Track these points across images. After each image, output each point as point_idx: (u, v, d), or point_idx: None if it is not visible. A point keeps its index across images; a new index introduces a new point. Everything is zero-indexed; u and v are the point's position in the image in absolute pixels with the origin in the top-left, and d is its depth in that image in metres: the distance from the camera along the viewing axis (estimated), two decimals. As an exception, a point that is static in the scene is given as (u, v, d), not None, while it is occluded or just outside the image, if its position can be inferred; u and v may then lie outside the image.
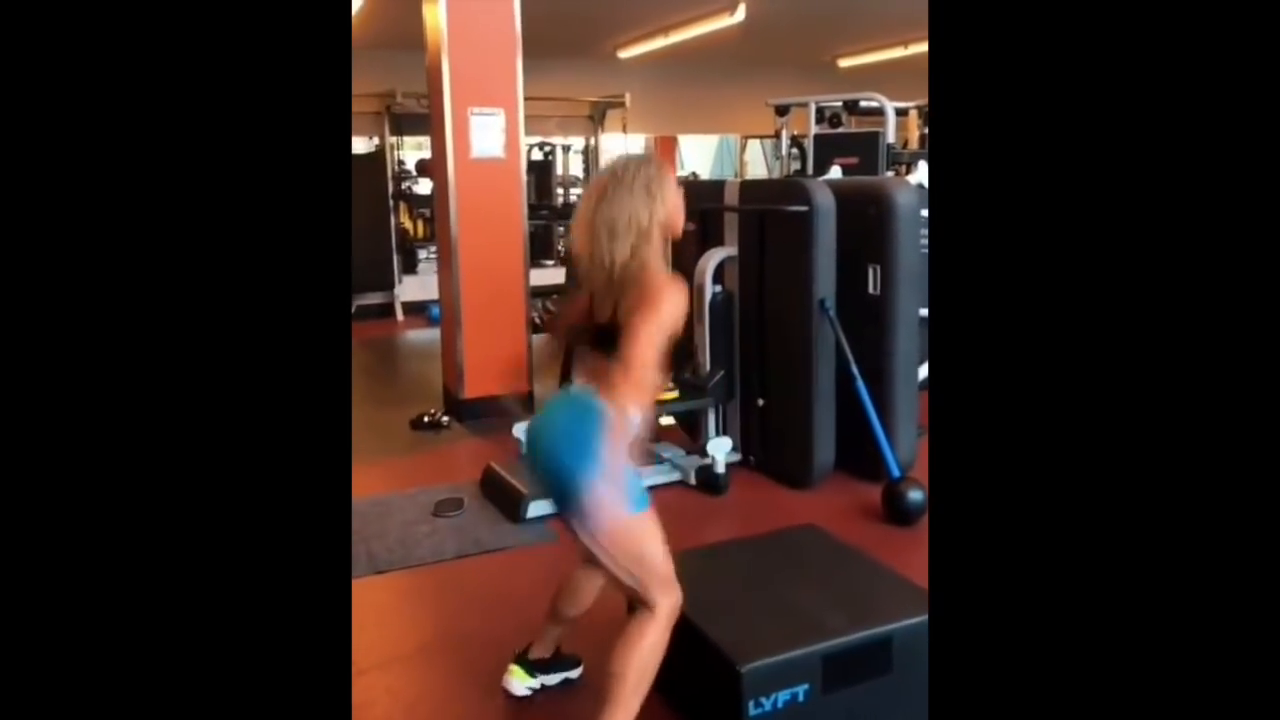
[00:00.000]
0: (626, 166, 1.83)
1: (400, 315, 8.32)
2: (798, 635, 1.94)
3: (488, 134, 4.47)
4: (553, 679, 2.27)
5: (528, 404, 4.78)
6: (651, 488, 3.60)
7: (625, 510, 1.73)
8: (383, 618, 2.73)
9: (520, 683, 2.23)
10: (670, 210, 1.83)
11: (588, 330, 1.92)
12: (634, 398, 1.70)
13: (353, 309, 8.18)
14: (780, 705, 1.86)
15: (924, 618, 2.02)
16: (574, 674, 2.30)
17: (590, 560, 1.95)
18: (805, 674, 1.89)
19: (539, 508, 3.33)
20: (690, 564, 2.37)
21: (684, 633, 2.04)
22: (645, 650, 1.80)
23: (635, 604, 1.87)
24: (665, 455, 3.78)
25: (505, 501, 3.43)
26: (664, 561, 1.84)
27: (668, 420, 3.88)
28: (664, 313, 1.72)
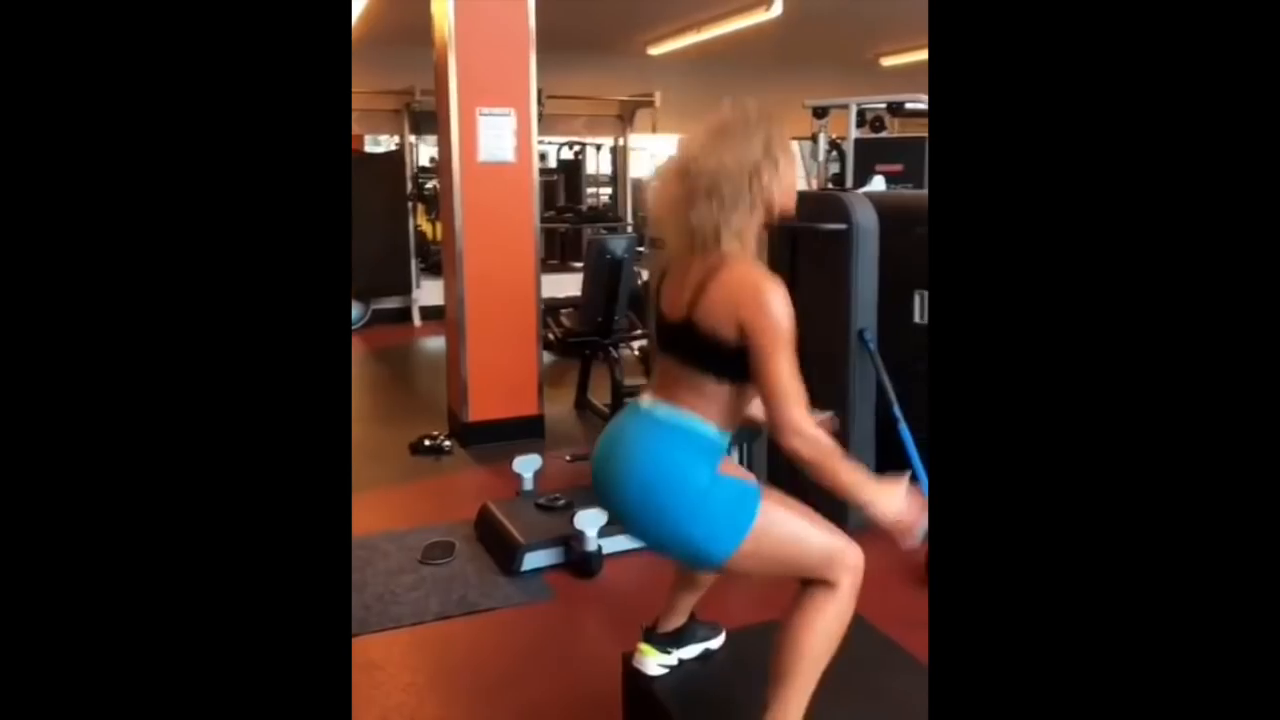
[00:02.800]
0: (748, 112, 1.50)
1: (418, 320, 8.02)
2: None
3: (497, 136, 4.12)
4: (691, 651, 1.94)
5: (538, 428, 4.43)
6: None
7: (744, 536, 1.48)
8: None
9: (654, 660, 1.88)
10: (786, 188, 1.53)
11: (661, 328, 1.61)
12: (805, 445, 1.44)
13: (369, 313, 7.91)
14: None
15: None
16: (714, 643, 1.97)
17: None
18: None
19: (536, 559, 2.98)
20: (695, 661, 2.00)
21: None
22: (828, 621, 1.53)
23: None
24: (681, 498, 3.40)
25: (500, 550, 3.07)
26: (820, 537, 1.53)
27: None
28: (782, 321, 1.44)
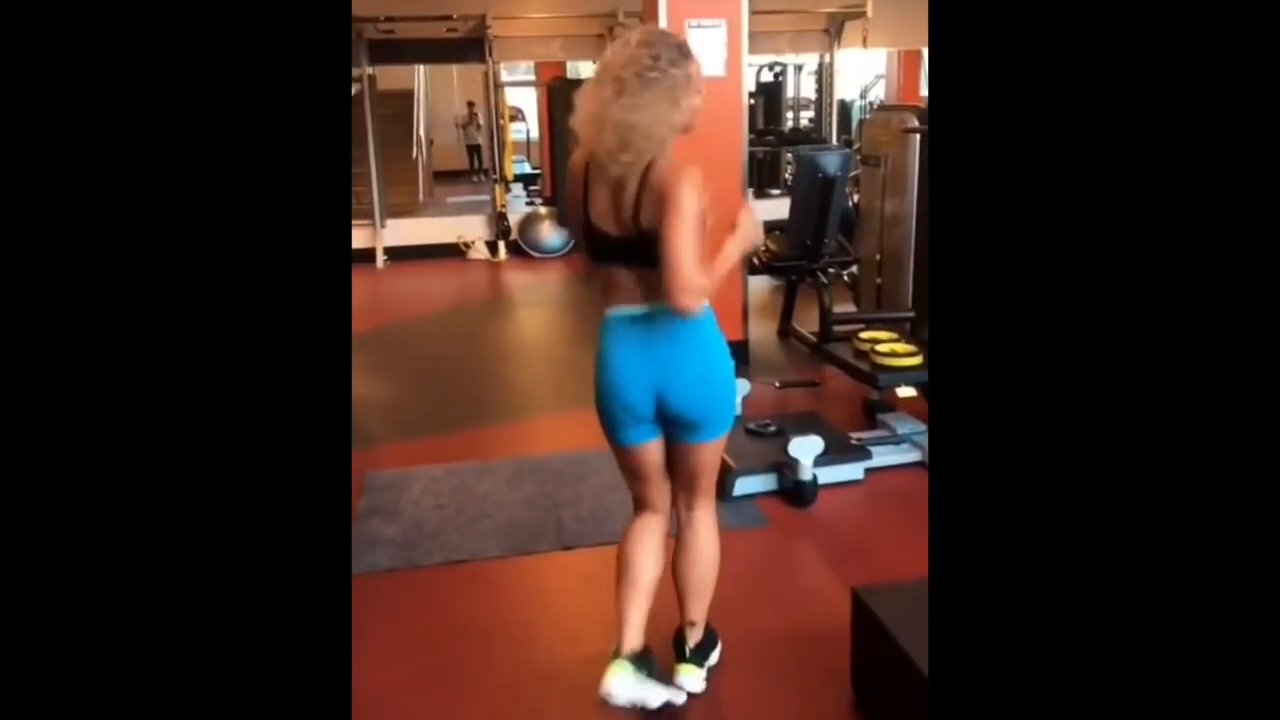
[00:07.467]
0: (651, 52, 1.56)
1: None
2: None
3: (707, 49, 3.94)
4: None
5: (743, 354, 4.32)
6: (885, 468, 3.09)
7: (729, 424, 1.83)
8: (562, 605, 2.43)
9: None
10: (691, 114, 1.64)
11: (616, 250, 1.71)
12: (696, 300, 1.61)
13: (573, 240, 8.04)
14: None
15: None
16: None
17: (649, 477, 1.92)
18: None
19: (748, 484, 2.89)
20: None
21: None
22: (715, 541, 1.92)
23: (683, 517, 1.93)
24: (902, 431, 3.19)
25: (709, 473, 3.02)
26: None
27: (909, 391, 3.27)
28: (688, 214, 1.59)
